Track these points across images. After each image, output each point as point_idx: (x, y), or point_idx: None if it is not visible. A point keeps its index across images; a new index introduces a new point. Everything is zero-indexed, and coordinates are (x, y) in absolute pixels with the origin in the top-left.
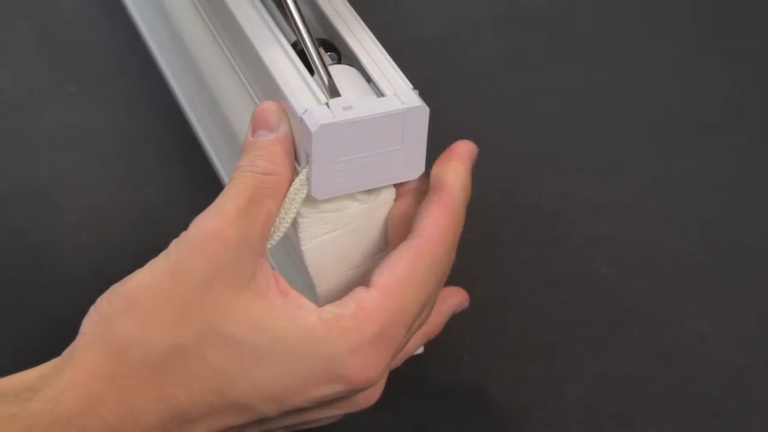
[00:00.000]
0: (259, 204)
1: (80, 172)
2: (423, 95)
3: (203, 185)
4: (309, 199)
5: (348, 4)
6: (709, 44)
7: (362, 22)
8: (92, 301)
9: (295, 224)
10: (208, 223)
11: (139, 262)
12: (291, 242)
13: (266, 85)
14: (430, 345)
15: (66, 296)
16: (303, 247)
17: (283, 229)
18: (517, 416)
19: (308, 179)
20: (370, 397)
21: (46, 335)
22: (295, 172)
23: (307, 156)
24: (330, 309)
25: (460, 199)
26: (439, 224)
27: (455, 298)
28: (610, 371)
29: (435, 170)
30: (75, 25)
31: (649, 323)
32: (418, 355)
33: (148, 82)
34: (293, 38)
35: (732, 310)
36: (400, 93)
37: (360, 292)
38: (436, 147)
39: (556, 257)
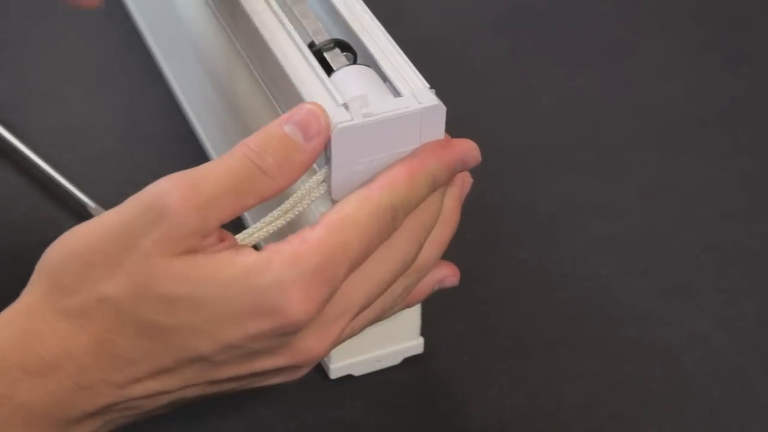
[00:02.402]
0: (237, 197)
1: (80, 172)
2: None
3: None
4: (326, 198)
5: (363, 5)
6: (710, 44)
7: (378, 23)
8: None
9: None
10: (175, 194)
11: None
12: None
13: (283, 87)
14: (430, 345)
15: None
16: None
17: (283, 222)
18: (517, 416)
19: (326, 180)
20: (314, 348)
21: None
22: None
23: (326, 157)
24: (272, 245)
25: (426, 169)
26: (393, 177)
27: (441, 271)
28: (610, 371)
29: (421, 146)
30: (75, 25)
31: (649, 323)
32: (418, 355)
33: (148, 82)
34: (309, 39)
35: (732, 310)
36: (416, 92)
37: (305, 230)
38: None
39: (556, 257)
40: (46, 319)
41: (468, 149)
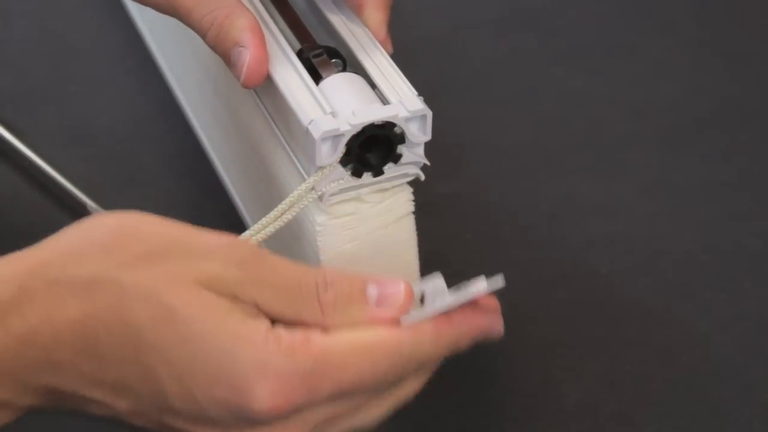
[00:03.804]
0: (282, 297)
1: (80, 171)
2: (423, 95)
3: (203, 185)
4: (322, 207)
5: (352, 12)
6: (709, 44)
7: (367, 30)
8: None
9: (312, 233)
10: (239, 255)
11: None
12: (304, 252)
13: (271, 94)
14: None
15: None
16: (322, 257)
17: (273, 229)
18: (517, 416)
19: (315, 188)
20: None
21: None
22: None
23: (315, 165)
24: (281, 329)
25: (454, 338)
26: (423, 333)
27: (484, 319)
28: (610, 371)
29: (458, 312)
30: (75, 25)
31: (649, 323)
32: None
33: (148, 82)
34: (297, 46)
35: (732, 310)
36: (404, 99)
37: (315, 331)
38: (436, 148)
39: (556, 257)
40: (49, 280)
41: (496, 323)
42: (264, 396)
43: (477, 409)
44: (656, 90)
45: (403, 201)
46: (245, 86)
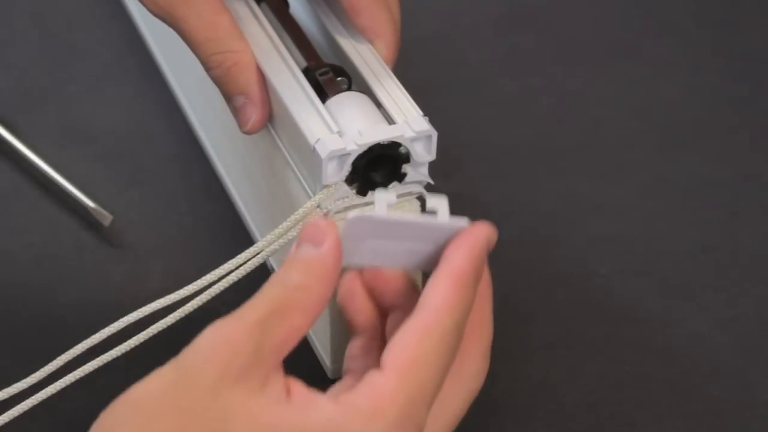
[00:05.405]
0: (281, 317)
1: (80, 172)
2: (423, 95)
3: (203, 185)
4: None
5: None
6: (710, 44)
7: (373, 49)
8: (92, 301)
9: None
10: (222, 330)
11: (138, 262)
12: None
13: (277, 111)
14: None
15: (66, 296)
16: None
17: (277, 246)
18: (517, 416)
19: (320, 206)
20: None
21: (46, 335)
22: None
23: (320, 184)
24: (344, 396)
25: (470, 274)
26: (446, 297)
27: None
28: (610, 371)
29: (447, 249)
30: (75, 25)
31: (649, 323)
32: None
33: (148, 82)
34: (304, 64)
35: (732, 310)
36: (410, 120)
37: (374, 376)
38: (436, 148)
39: (556, 257)
40: None
41: (486, 231)
42: None
43: (477, 409)
44: (656, 90)
45: (413, 208)
46: (245, 134)
